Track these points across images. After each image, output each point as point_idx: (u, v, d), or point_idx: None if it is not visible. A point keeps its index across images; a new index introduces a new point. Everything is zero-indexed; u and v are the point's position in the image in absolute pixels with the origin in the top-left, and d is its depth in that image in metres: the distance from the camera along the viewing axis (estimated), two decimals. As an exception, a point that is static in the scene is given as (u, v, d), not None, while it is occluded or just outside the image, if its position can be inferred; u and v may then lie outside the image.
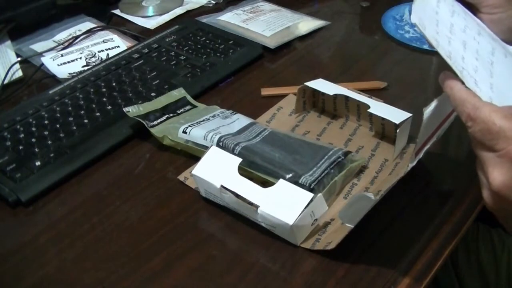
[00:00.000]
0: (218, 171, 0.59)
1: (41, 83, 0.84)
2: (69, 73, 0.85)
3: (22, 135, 0.70)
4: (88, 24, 0.98)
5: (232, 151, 0.62)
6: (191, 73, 0.81)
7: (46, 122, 0.72)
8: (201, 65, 0.83)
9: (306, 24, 0.94)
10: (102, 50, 0.91)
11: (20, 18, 0.94)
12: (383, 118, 0.65)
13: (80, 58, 0.89)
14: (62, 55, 0.89)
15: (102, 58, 0.89)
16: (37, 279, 0.55)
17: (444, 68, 0.48)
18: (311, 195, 0.55)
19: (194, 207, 0.62)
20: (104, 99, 0.76)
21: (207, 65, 0.83)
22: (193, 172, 0.60)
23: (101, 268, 0.55)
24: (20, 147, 0.68)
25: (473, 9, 0.55)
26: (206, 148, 0.62)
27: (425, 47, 0.87)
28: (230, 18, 0.96)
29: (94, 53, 0.90)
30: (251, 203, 0.56)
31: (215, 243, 0.58)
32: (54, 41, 0.95)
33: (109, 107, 0.75)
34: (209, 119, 0.69)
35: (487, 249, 0.79)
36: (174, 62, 0.84)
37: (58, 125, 0.72)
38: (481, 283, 0.78)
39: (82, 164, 0.67)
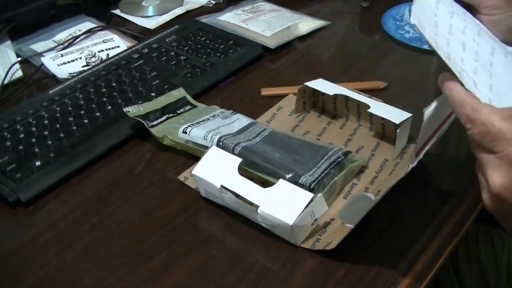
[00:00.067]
0: (218, 171, 0.59)
1: (41, 83, 0.84)
2: (69, 73, 0.85)
3: (22, 135, 0.70)
4: (88, 24, 0.98)
5: (232, 151, 0.62)
6: (191, 73, 0.81)
7: (46, 122, 0.72)
8: (201, 65, 0.83)
9: (306, 24, 0.94)
10: (102, 50, 0.91)
11: (20, 18, 0.94)
12: (383, 118, 0.65)
13: (80, 58, 0.89)
14: (62, 55, 0.89)
15: (102, 58, 0.89)
16: (37, 279, 0.55)
17: (444, 68, 0.48)
18: (311, 195, 0.55)
19: (194, 207, 0.62)
20: (104, 99, 0.76)
21: (207, 65, 0.83)
22: (193, 172, 0.60)
23: (101, 268, 0.55)
24: (20, 147, 0.68)
25: (473, 10, 0.55)
26: (206, 148, 0.62)
27: (425, 47, 0.87)
28: (230, 18, 0.96)
29: (94, 53, 0.90)
30: (251, 203, 0.56)
31: (215, 243, 0.58)
32: (54, 41, 0.95)
33: (109, 107, 0.75)
34: (209, 119, 0.69)
35: (487, 249, 0.79)
36: (174, 62, 0.84)
37: (58, 125, 0.72)
38: (481, 283, 0.78)
39: (82, 164, 0.67)
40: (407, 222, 0.59)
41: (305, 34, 0.92)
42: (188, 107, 0.74)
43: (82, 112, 0.74)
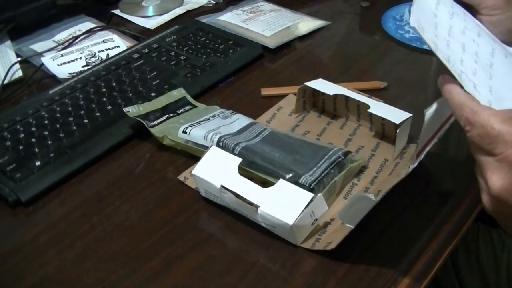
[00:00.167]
0: (218, 171, 0.59)
1: (41, 83, 0.84)
2: (69, 73, 0.85)
3: (22, 135, 0.70)
4: (88, 24, 0.98)
5: (232, 151, 0.62)
6: (191, 73, 0.81)
7: (46, 122, 0.72)
8: (201, 65, 0.83)
9: (306, 24, 0.94)
10: (102, 50, 0.91)
11: (20, 18, 0.94)
12: (383, 118, 0.65)
13: (80, 58, 0.89)
14: (62, 55, 0.89)
15: (102, 58, 0.89)
16: (37, 279, 0.55)
17: (444, 68, 0.48)
18: (311, 195, 0.55)
19: (194, 207, 0.62)
20: (104, 99, 0.76)
21: (207, 65, 0.83)
22: (193, 172, 0.60)
23: (101, 268, 0.55)
24: (20, 147, 0.68)
25: (473, 11, 0.55)
26: (206, 148, 0.62)
27: (425, 47, 0.87)
28: (230, 18, 0.96)
29: (94, 53, 0.90)
30: (251, 203, 0.56)
31: (215, 243, 0.58)
32: (54, 41, 0.95)
33: (109, 107, 0.75)
34: (209, 119, 0.69)
35: (487, 249, 0.79)
36: (174, 62, 0.84)
37: (58, 125, 0.72)
38: (481, 283, 0.78)
39: (82, 164, 0.67)
40: (407, 222, 0.59)
41: (305, 34, 0.92)
42: (188, 107, 0.74)
43: (82, 112, 0.74)
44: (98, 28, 0.97)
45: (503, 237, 0.79)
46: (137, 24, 1.00)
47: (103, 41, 0.93)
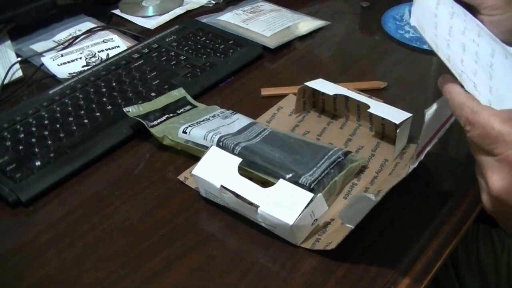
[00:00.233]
0: (218, 171, 0.59)
1: (41, 83, 0.84)
2: (69, 73, 0.85)
3: (22, 135, 0.70)
4: (88, 24, 0.98)
5: (232, 151, 0.62)
6: (191, 73, 0.81)
7: (46, 122, 0.72)
8: (201, 65, 0.83)
9: (306, 24, 0.94)
10: (102, 50, 0.91)
11: (20, 18, 0.94)
12: (383, 118, 0.65)
13: (80, 58, 0.89)
14: (62, 55, 0.89)
15: (102, 58, 0.89)
16: (37, 279, 0.55)
17: (444, 68, 0.48)
18: (311, 195, 0.55)
19: (194, 207, 0.62)
20: (104, 99, 0.76)
21: (207, 65, 0.83)
22: (193, 172, 0.60)
23: (101, 268, 0.55)
24: (20, 147, 0.68)
25: (473, 11, 0.55)
26: (206, 148, 0.62)
27: (425, 47, 0.87)
28: (230, 18, 0.96)
29: (94, 53, 0.90)
30: (251, 203, 0.56)
31: (215, 243, 0.58)
32: (54, 41, 0.95)
33: (109, 107, 0.75)
34: (209, 119, 0.69)
35: (487, 249, 0.79)
36: (174, 62, 0.84)
37: (58, 125, 0.72)
38: (481, 283, 0.78)
39: (82, 164, 0.67)
40: (407, 222, 0.59)
41: (305, 34, 0.92)
42: (188, 107, 0.74)
43: (82, 112, 0.74)
44: (98, 28, 0.97)
45: (503, 237, 0.79)
46: (137, 24, 1.00)
47: (103, 41, 0.93)
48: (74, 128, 0.71)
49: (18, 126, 0.72)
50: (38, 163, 0.66)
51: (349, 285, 0.53)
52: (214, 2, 1.05)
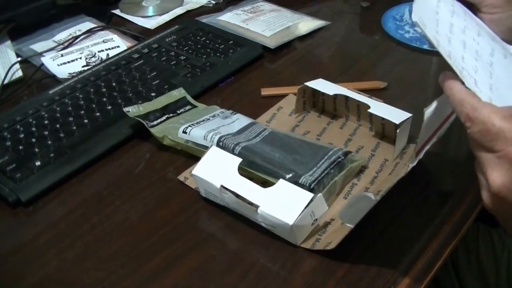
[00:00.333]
0: (218, 171, 0.59)
1: (41, 83, 0.84)
2: (69, 73, 0.85)
3: (22, 135, 0.70)
4: (88, 24, 0.98)
5: (232, 151, 0.62)
6: (191, 73, 0.81)
7: (46, 122, 0.72)
8: (201, 65, 0.83)
9: (306, 24, 0.94)
10: (102, 50, 0.91)
11: (20, 18, 0.94)
12: (383, 118, 0.65)
13: (80, 58, 0.89)
14: (62, 55, 0.89)
15: (102, 58, 0.89)
16: (37, 279, 0.55)
17: (444, 68, 0.48)
18: (311, 195, 0.55)
19: (194, 207, 0.62)
20: (104, 99, 0.76)
21: (207, 65, 0.83)
22: (193, 172, 0.60)
23: (101, 268, 0.55)
24: (20, 147, 0.68)
25: (474, 9, 0.55)
26: (206, 148, 0.62)
27: (425, 47, 0.87)
28: (230, 18, 0.96)
29: (94, 53, 0.90)
30: (251, 203, 0.56)
31: (215, 243, 0.58)
32: (54, 41, 0.95)
33: (109, 107, 0.75)
34: (209, 119, 0.69)
35: (487, 249, 0.79)
36: (174, 62, 0.84)
37: (58, 125, 0.72)
38: (481, 283, 0.78)
39: (82, 164, 0.67)
40: (407, 222, 0.59)
41: (305, 34, 0.92)
42: (188, 107, 0.74)
43: (82, 112, 0.74)
44: (98, 28, 0.97)
45: (503, 237, 0.79)
46: (137, 24, 1.00)
47: (103, 41, 0.93)
48: (74, 128, 0.71)
49: (18, 126, 0.72)
50: (38, 163, 0.66)
51: (349, 285, 0.53)
52: (214, 2, 1.05)
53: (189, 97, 0.75)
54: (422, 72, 0.84)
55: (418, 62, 0.86)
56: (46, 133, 0.71)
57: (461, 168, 0.66)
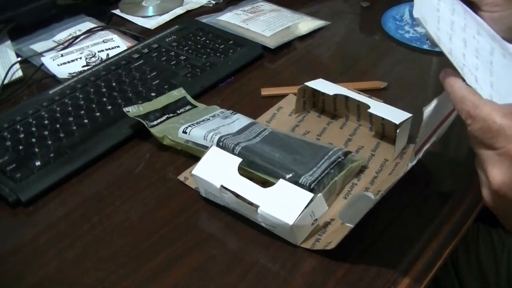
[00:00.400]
0: (218, 171, 0.59)
1: (41, 83, 0.84)
2: (69, 73, 0.85)
3: (22, 135, 0.70)
4: (88, 24, 0.98)
5: (232, 151, 0.62)
6: (191, 73, 0.81)
7: (46, 122, 0.72)
8: (201, 65, 0.83)
9: (306, 24, 0.94)
10: (102, 50, 0.91)
11: (20, 18, 0.94)
12: (383, 118, 0.65)
13: (80, 58, 0.89)
14: (62, 55, 0.89)
15: (102, 58, 0.89)
16: (37, 279, 0.55)
17: (444, 68, 0.48)
18: (311, 195, 0.55)
19: (194, 207, 0.62)
20: (104, 99, 0.76)
21: (207, 65, 0.83)
22: (193, 172, 0.60)
23: (101, 268, 0.55)
24: (20, 147, 0.68)
25: (474, 7, 0.55)
26: (206, 148, 0.62)
27: (425, 47, 0.87)
28: (230, 18, 0.96)
29: (94, 53, 0.90)
30: (251, 203, 0.56)
31: (215, 243, 0.58)
32: (54, 41, 0.95)
33: (109, 107, 0.75)
34: (209, 119, 0.69)
35: (487, 249, 0.79)
36: (174, 62, 0.84)
37: (58, 125, 0.72)
38: (481, 283, 0.78)
39: (82, 164, 0.67)
40: (407, 222, 0.59)
41: (305, 34, 0.92)
42: (188, 107, 0.74)
43: (82, 112, 0.74)
44: (98, 28, 0.97)
45: (503, 237, 0.79)
46: (137, 24, 1.00)
47: (103, 41, 0.93)
48: (74, 128, 0.71)
49: (18, 126, 0.72)
50: (38, 163, 0.66)
51: (349, 285, 0.53)
52: (214, 2, 1.05)
53: (189, 97, 0.75)
54: (422, 72, 0.84)
55: (418, 62, 0.86)
56: (46, 133, 0.71)
57: (461, 168, 0.66)
